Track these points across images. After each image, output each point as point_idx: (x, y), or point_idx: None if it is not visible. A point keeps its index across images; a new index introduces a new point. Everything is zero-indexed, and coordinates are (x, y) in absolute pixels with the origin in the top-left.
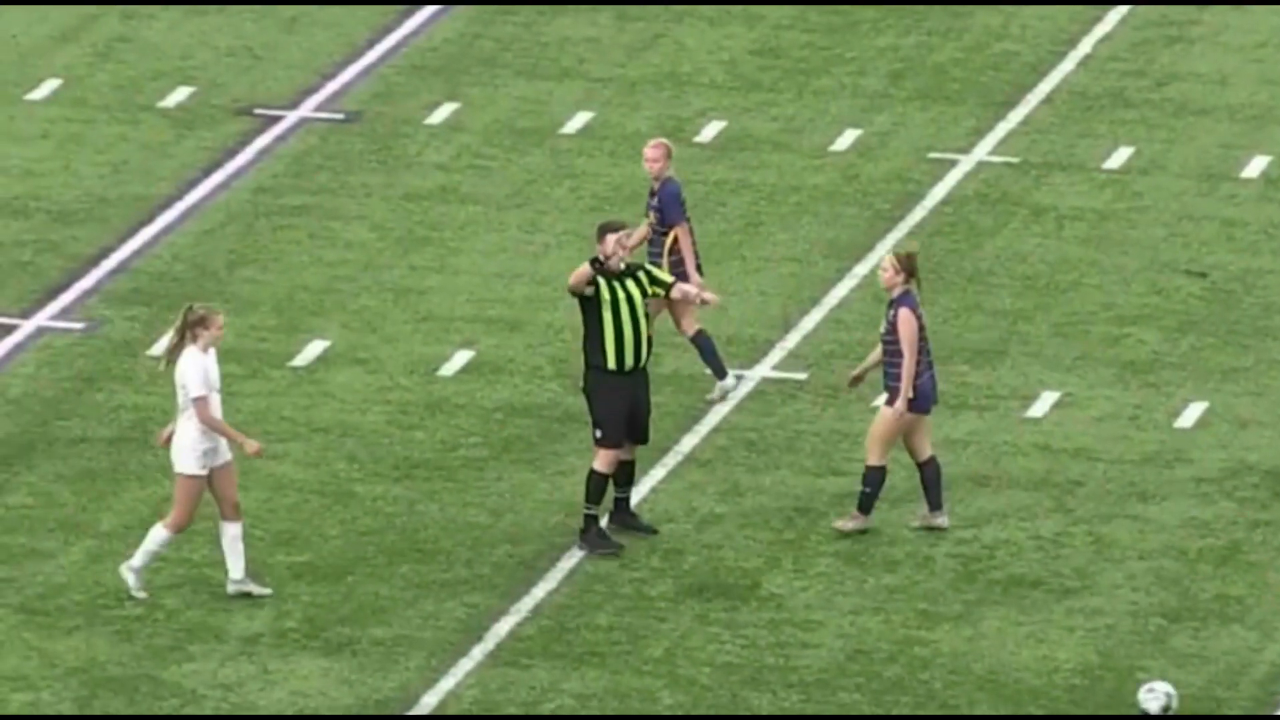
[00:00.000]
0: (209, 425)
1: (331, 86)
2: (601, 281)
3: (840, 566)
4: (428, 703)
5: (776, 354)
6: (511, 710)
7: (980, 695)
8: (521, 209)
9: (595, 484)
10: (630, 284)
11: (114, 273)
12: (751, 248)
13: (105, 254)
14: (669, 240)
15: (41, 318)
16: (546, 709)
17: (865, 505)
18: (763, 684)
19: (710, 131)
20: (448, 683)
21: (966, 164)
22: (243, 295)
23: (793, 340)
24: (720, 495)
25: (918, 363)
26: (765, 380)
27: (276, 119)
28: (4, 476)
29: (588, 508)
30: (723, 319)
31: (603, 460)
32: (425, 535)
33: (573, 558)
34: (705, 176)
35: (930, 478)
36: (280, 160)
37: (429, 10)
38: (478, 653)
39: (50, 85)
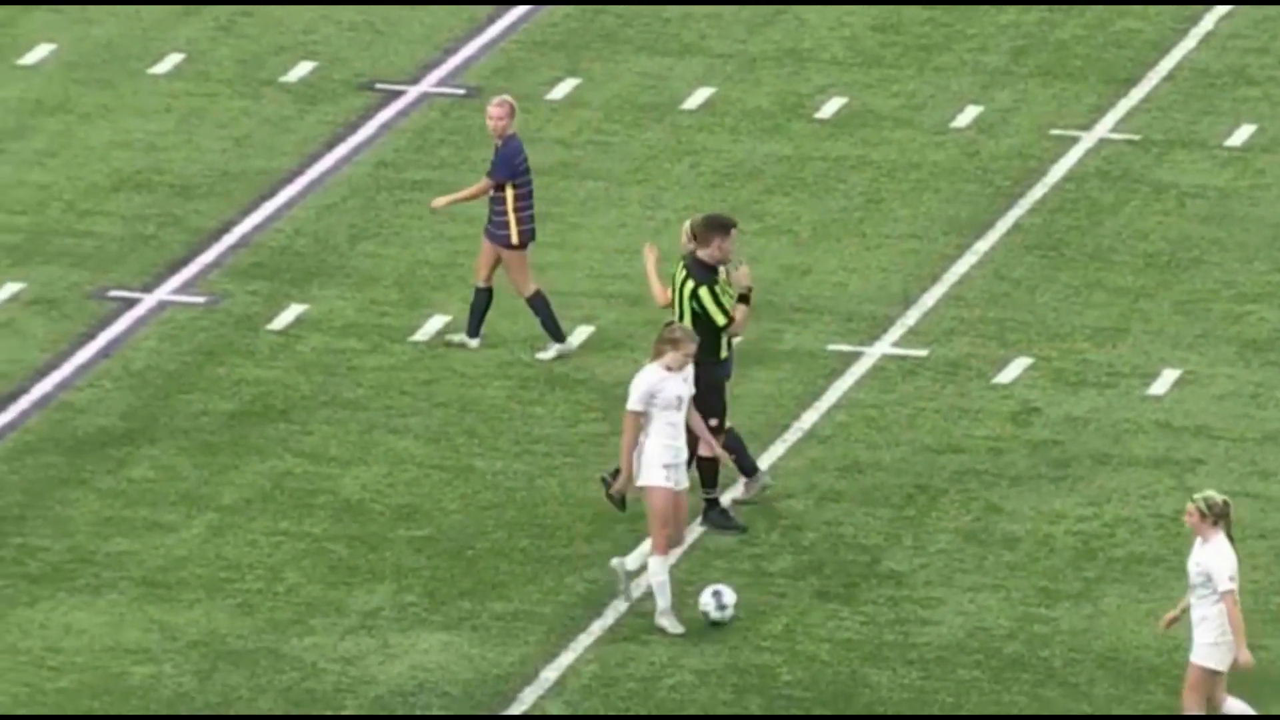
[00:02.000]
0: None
1: (453, 61)
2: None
3: (960, 544)
4: (547, 677)
5: (897, 330)
6: (630, 686)
7: (1100, 673)
8: (642, 185)
9: (709, 469)
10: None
11: (235, 247)
12: (872, 224)
13: (227, 228)
14: (509, 198)
15: (163, 291)
16: (665, 685)
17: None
18: (882, 661)
19: (831, 107)
20: (567, 657)
21: (1088, 141)
22: (364, 269)
23: (913, 317)
24: (840, 472)
25: None
26: (885, 357)
27: (398, 94)
28: (126, 450)
29: (707, 492)
30: (843, 295)
31: (711, 446)
32: (545, 510)
33: (692, 533)
34: (826, 152)
35: (733, 446)
36: (402, 135)
37: None
38: (597, 628)
39: (173, 59)
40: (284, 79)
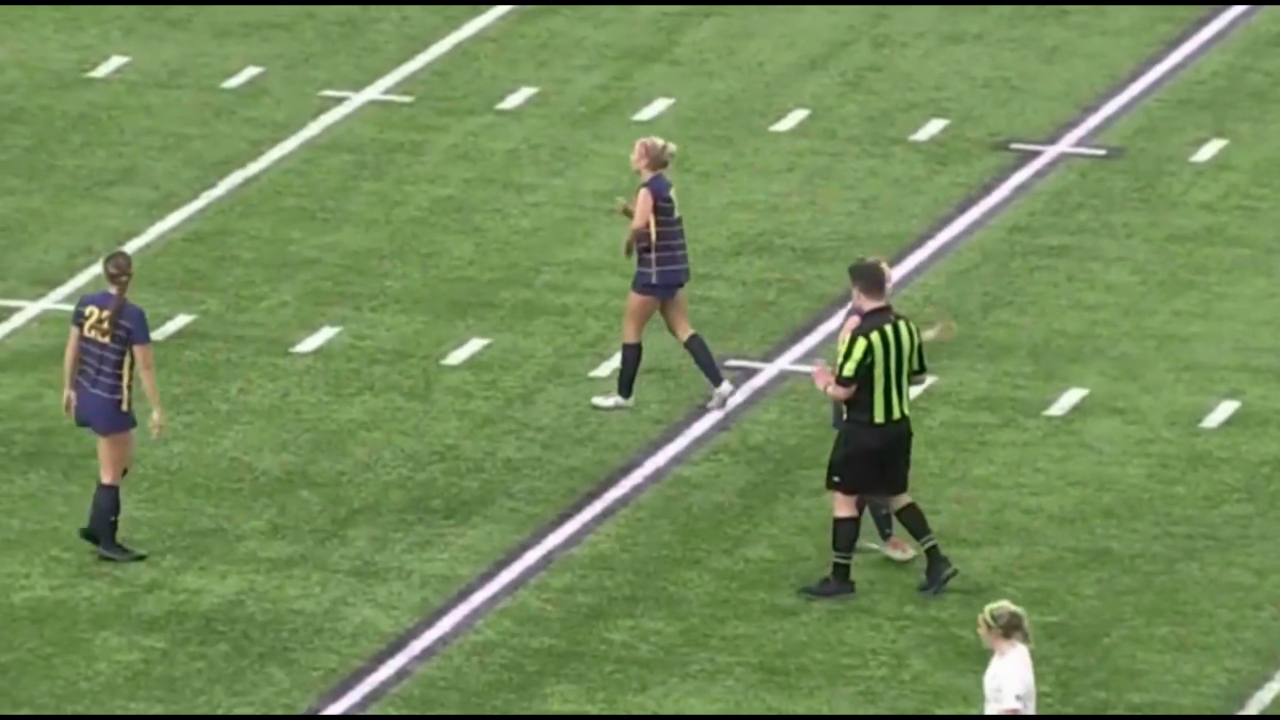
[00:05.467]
0: None
1: (1092, 120)
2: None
3: None
4: None
5: None
6: None
7: None
8: None
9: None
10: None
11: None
12: None
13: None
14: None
15: (784, 361)
16: None
17: None
18: None
19: None
20: None
21: None
22: (997, 340)
23: None
24: None
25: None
26: None
27: (1034, 154)
28: (743, 528)
29: (925, 541)
30: None
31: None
32: (1185, 596)
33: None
34: None
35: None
36: (1038, 197)
37: (1197, 41)
38: None
39: (797, 116)
40: (914, 137)
